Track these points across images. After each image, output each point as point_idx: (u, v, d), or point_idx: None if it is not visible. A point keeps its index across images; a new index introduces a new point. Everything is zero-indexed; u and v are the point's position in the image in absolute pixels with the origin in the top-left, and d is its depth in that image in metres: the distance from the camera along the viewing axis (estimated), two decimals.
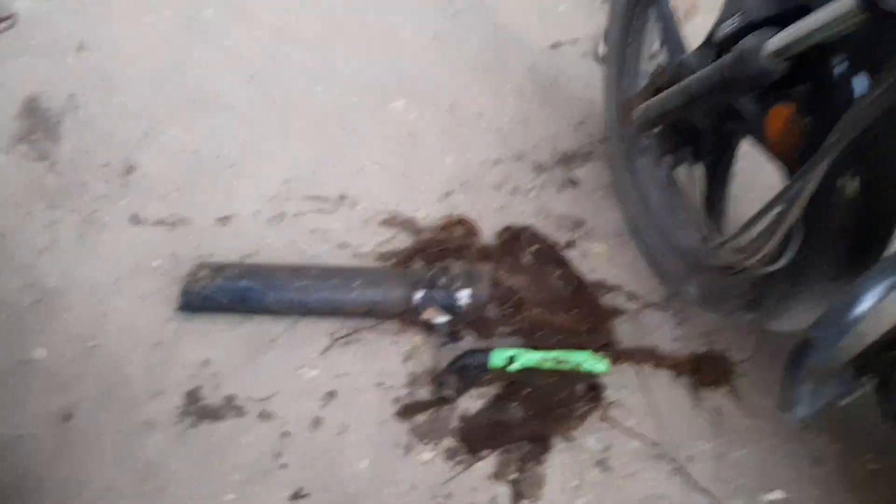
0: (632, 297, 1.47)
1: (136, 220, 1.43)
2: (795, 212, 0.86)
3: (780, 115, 0.95)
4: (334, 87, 1.74)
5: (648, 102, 1.28)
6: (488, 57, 1.84)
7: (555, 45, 1.87)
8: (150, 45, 1.71)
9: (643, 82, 1.51)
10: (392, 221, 1.52)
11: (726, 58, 0.98)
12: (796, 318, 1.03)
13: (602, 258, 1.52)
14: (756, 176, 1.72)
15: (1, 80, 1.60)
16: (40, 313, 1.29)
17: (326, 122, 1.67)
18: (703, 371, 1.38)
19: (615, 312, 1.44)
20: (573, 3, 1.94)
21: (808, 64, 0.89)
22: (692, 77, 1.10)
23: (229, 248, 1.43)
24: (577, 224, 1.57)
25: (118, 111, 1.60)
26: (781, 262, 0.94)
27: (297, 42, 1.80)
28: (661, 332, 1.44)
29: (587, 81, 1.80)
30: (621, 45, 1.52)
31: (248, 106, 1.67)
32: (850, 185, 0.89)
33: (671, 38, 1.33)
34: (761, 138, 1.04)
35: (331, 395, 1.26)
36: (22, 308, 1.30)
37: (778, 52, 0.88)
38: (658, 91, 1.29)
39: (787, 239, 0.93)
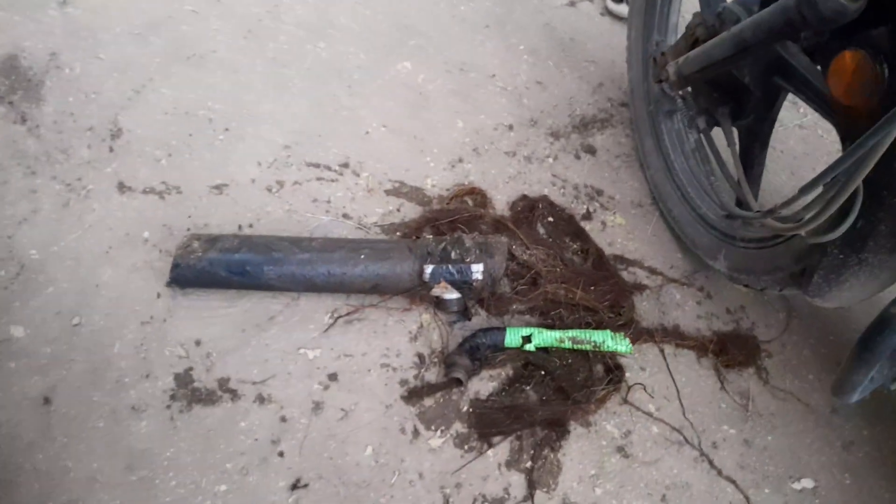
0: (653, 271, 1.38)
1: (123, 188, 1.33)
2: (863, 173, 0.75)
3: (847, 64, 0.84)
4: (337, 43, 1.62)
5: (688, 55, 1.17)
6: (501, 13, 1.72)
7: (571, 2, 1.74)
8: None
9: (675, 36, 1.40)
10: (399, 190, 1.42)
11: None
12: (848, 294, 0.94)
13: (622, 230, 1.43)
14: (785, 143, 1.61)
15: None
16: (20, 288, 1.20)
17: (329, 83, 1.56)
18: (729, 351, 1.30)
19: (636, 288, 1.35)
20: None
21: (886, 2, 0.78)
22: (745, 23, 0.99)
23: (225, 218, 1.33)
24: (596, 194, 1.47)
25: (104, 70, 1.48)
26: (839, 231, 0.84)
27: None
28: (684, 309, 1.35)
29: (606, 42, 1.68)
30: (649, 0, 1.40)
31: (245, 63, 1.55)
32: None
33: None
34: (816, 93, 0.93)
35: (333, 377, 1.18)
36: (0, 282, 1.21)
37: None
38: (695, 44, 1.17)
39: (848, 204, 0.83)
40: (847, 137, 0.89)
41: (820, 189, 0.86)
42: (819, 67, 0.94)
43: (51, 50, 1.49)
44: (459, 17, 1.71)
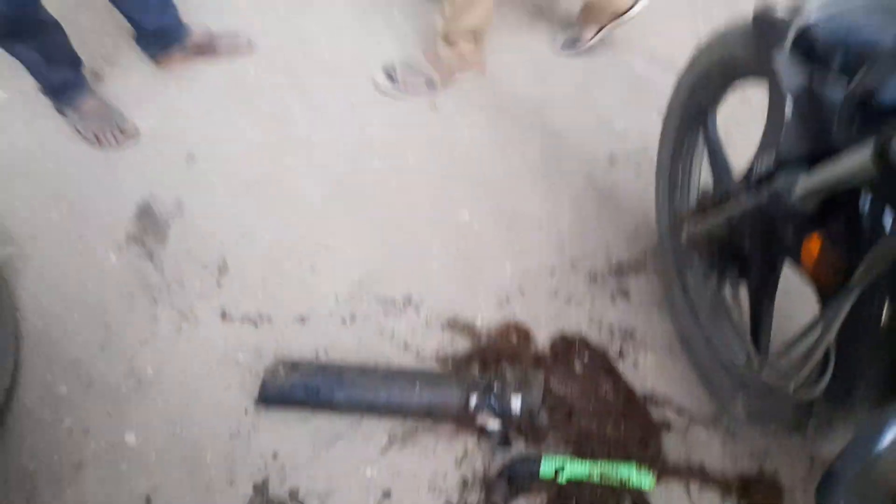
0: (681, 411, 1.51)
1: (225, 316, 1.61)
2: (828, 339, 0.91)
3: (813, 246, 1.02)
4: (407, 194, 1.90)
5: (697, 222, 1.36)
6: (548, 168, 1.98)
7: (611, 159, 1.99)
8: (249, 155, 1.94)
9: (694, 198, 1.60)
10: (453, 325, 1.63)
11: (762, 193, 1.06)
12: (840, 443, 1.05)
13: (652, 370, 1.57)
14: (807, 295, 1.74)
15: (122, 187, 1.85)
16: (136, 400, 1.46)
17: (399, 227, 1.83)
18: (753, 493, 1.39)
19: (664, 426, 1.48)
20: (630, 121, 2.06)
21: (838, 200, 0.96)
22: (734, 205, 1.18)
23: (305, 345, 1.58)
24: (629, 334, 1.63)
25: (218, 215, 1.81)
26: (819, 389, 0.98)
27: (373, 151, 1.98)
28: (710, 448, 1.46)
29: (641, 194, 1.90)
30: (673, 163, 1.62)
31: (329, 209, 1.85)
32: (885, 313, 0.94)
33: (718, 162, 1.42)
34: (799, 264, 1.10)
35: (387, 494, 1.35)
36: (121, 394, 1.47)
37: (807, 193, 0.96)
38: (705, 212, 1.37)
39: (824, 364, 0.97)
40: (821, 302, 1.05)
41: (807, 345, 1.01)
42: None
43: (177, 198, 1.84)
44: (513, 171, 1.97)
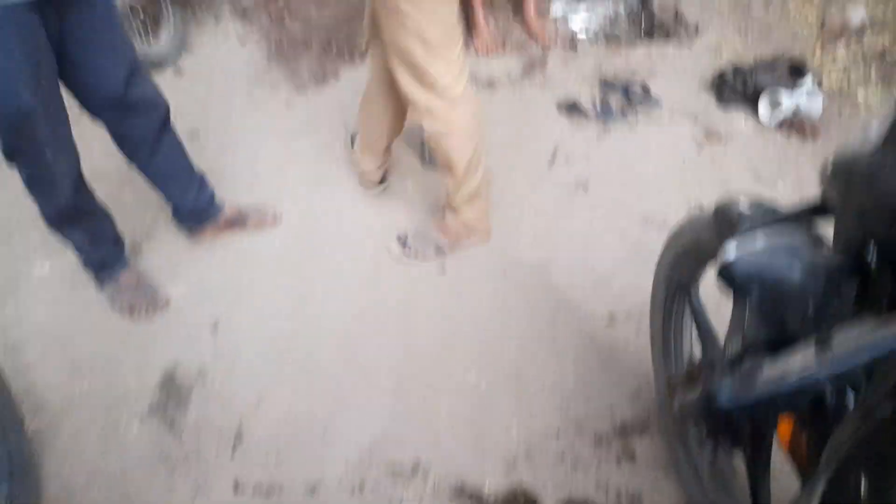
0: None
1: (237, 487, 1.66)
2: None
3: (785, 427, 1.08)
4: (415, 354, 1.99)
5: (685, 391, 1.42)
6: (551, 327, 2.07)
7: (611, 318, 2.09)
8: (269, 323, 2.07)
9: (685, 365, 1.66)
10: (460, 493, 1.66)
11: (735, 375, 1.14)
12: None
13: None
14: None
15: (149, 356, 1.98)
16: None
17: (406, 388, 1.90)
18: None
19: None
20: (627, 280, 2.18)
21: None
22: (716, 379, 1.25)
23: None
24: (636, 499, 1.64)
25: (237, 383, 1.91)
26: None
27: (386, 315, 2.11)
28: None
29: (641, 353, 1.97)
30: (664, 330, 1.71)
31: (342, 373, 1.94)
32: (863, 489, 0.97)
33: (704, 331, 1.50)
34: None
35: None
36: None
37: (771, 380, 1.04)
38: (694, 381, 1.43)
39: None
40: (801, 481, 1.08)
41: None
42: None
43: (200, 365, 1.96)
44: (517, 332, 2.07)
